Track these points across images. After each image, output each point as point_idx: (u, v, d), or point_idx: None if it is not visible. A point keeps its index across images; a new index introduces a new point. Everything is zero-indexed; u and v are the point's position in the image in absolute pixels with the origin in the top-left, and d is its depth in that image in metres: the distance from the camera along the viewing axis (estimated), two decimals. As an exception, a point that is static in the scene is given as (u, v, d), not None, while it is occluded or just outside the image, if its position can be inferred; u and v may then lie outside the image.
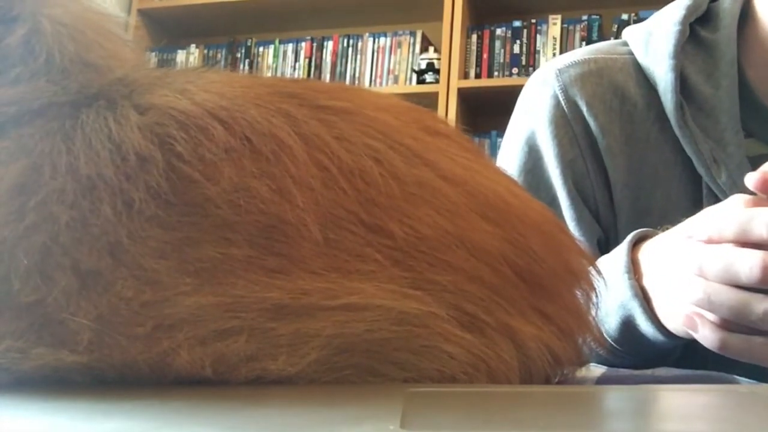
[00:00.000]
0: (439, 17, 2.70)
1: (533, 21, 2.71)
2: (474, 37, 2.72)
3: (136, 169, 0.36)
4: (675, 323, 0.57)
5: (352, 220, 0.36)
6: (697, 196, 0.70)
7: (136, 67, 0.44)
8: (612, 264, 0.62)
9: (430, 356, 0.36)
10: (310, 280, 0.35)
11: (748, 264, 0.48)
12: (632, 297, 0.60)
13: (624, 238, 0.65)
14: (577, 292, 0.43)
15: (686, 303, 0.53)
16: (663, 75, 0.70)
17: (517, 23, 2.71)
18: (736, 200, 0.52)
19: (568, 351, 0.41)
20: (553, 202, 0.73)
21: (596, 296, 0.45)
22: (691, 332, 0.53)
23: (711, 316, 0.51)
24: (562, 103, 0.73)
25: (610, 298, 0.61)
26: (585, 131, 0.72)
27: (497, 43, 2.70)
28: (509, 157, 0.76)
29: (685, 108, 0.69)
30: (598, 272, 0.46)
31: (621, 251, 0.62)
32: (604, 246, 0.73)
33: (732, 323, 0.50)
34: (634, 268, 0.60)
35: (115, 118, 0.38)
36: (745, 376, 0.54)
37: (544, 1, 2.67)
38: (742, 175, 0.66)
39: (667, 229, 0.59)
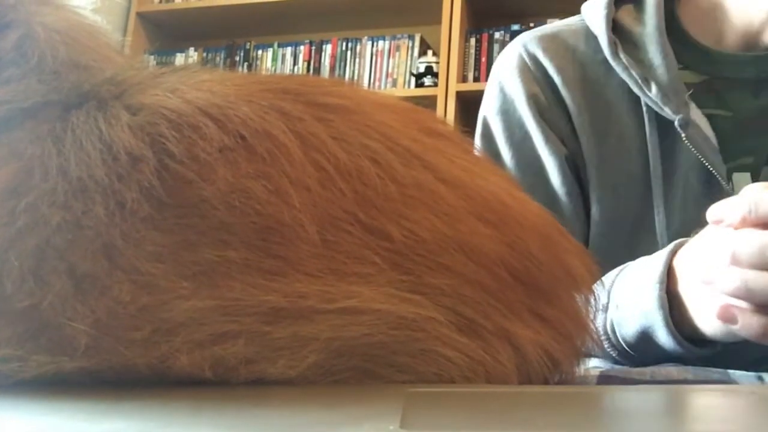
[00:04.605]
0: (438, 21, 2.70)
1: (531, 25, 2.70)
2: (472, 40, 2.72)
3: (128, 168, 0.36)
4: (712, 326, 0.55)
5: (349, 221, 0.36)
6: (639, 113, 0.82)
7: (127, 67, 0.43)
8: (647, 270, 0.61)
9: (428, 360, 0.36)
10: (307, 282, 0.35)
11: None
12: (657, 308, 0.59)
13: (591, 161, 0.80)
14: (576, 295, 0.43)
15: (720, 294, 0.51)
16: (599, 24, 0.84)
17: (515, 27, 2.71)
18: (757, 186, 0.51)
19: (567, 354, 0.41)
20: (525, 136, 0.85)
21: (594, 299, 0.45)
22: (728, 324, 0.51)
23: (746, 306, 0.50)
24: (524, 55, 0.88)
25: (635, 304, 0.61)
26: (543, 74, 0.86)
27: (496, 47, 2.70)
28: (487, 105, 0.92)
29: (618, 44, 0.82)
30: (596, 274, 0.46)
31: (660, 259, 0.61)
32: (572, 164, 0.83)
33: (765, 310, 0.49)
34: (669, 275, 0.60)
35: (105, 119, 0.38)
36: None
37: (542, 4, 2.67)
38: (673, 91, 0.78)
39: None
